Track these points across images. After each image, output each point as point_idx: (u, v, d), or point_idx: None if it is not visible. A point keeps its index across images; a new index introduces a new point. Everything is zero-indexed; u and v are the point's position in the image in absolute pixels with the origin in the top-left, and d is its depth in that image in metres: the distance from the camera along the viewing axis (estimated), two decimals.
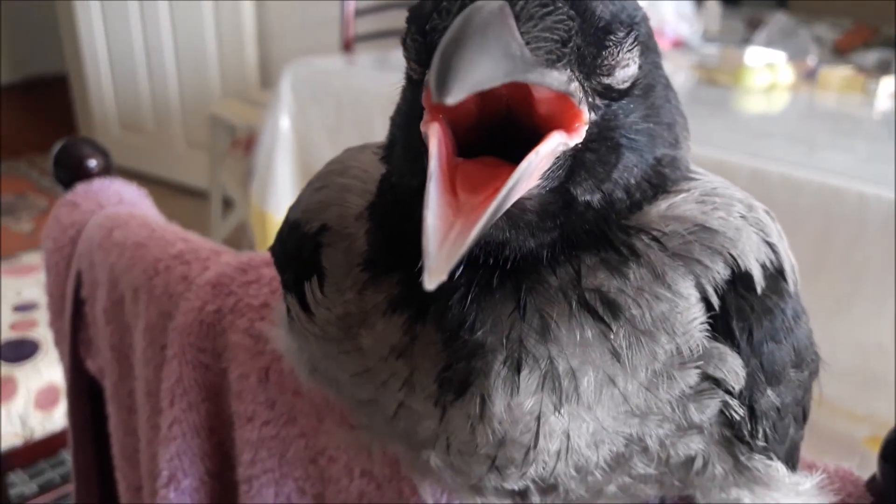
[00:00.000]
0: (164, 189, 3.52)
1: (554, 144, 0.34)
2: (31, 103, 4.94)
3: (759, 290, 0.39)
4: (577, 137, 0.35)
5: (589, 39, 0.34)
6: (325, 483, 0.59)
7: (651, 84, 0.39)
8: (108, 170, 0.91)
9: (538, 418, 0.37)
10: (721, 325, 0.38)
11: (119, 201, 0.84)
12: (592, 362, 0.36)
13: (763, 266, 0.39)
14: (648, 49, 0.39)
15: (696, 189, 0.41)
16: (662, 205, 0.39)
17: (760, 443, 0.41)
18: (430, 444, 0.41)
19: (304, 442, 0.59)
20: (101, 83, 3.71)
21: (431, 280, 0.29)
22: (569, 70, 0.34)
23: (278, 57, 3.11)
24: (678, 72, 2.17)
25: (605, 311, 0.36)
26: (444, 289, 0.36)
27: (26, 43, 5.22)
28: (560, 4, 0.33)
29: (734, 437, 0.40)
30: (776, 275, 0.40)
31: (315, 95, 2.02)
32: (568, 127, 0.35)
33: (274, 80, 2.23)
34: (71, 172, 0.88)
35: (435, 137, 0.33)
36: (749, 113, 1.91)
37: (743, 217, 0.40)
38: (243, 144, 2.66)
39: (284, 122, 2.09)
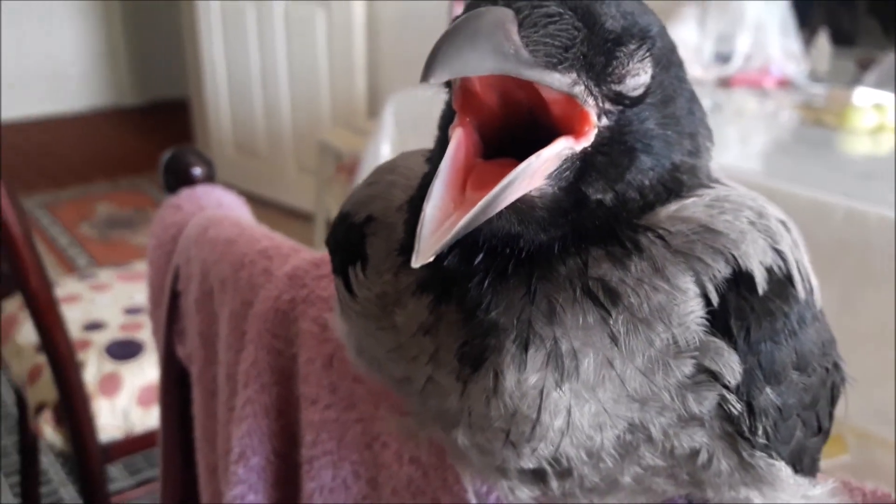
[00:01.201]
0: (273, 211, 3.68)
1: (558, 148, 0.37)
2: (154, 125, 5.26)
3: (760, 292, 0.40)
4: (586, 141, 0.38)
5: (598, 49, 0.38)
6: (378, 468, 0.62)
7: (671, 95, 0.42)
8: (210, 178, 0.99)
9: (541, 393, 0.39)
10: (720, 322, 0.39)
11: (218, 205, 0.91)
12: (593, 345, 0.39)
13: (769, 270, 0.41)
14: (671, 63, 0.42)
15: (708, 195, 0.42)
16: (672, 207, 0.41)
17: (761, 440, 0.42)
18: (456, 420, 0.44)
19: (360, 427, 0.63)
20: (219, 108, 3.92)
21: (417, 261, 0.34)
22: (574, 74, 0.37)
23: (385, 88, 3.23)
24: (781, 111, 2.14)
25: (605, 299, 0.39)
26: (465, 273, 0.40)
27: (152, 68, 5.60)
28: (567, 17, 0.36)
29: (736, 432, 0.41)
30: (783, 280, 0.41)
31: (416, 125, 2.09)
32: (578, 130, 0.38)
33: (380, 109, 2.33)
34: (177, 178, 0.96)
35: (455, 140, 0.37)
36: (852, 154, 1.87)
37: (751, 223, 0.41)
38: (347, 170, 2.77)
39: (385, 150, 2.17)
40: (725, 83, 2.32)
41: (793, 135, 1.98)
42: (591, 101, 0.38)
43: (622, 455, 0.42)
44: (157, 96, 5.64)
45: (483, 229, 0.38)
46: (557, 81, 0.36)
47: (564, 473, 0.44)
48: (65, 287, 1.78)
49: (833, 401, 0.47)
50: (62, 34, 5.36)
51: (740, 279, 0.40)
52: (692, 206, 0.41)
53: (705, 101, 2.10)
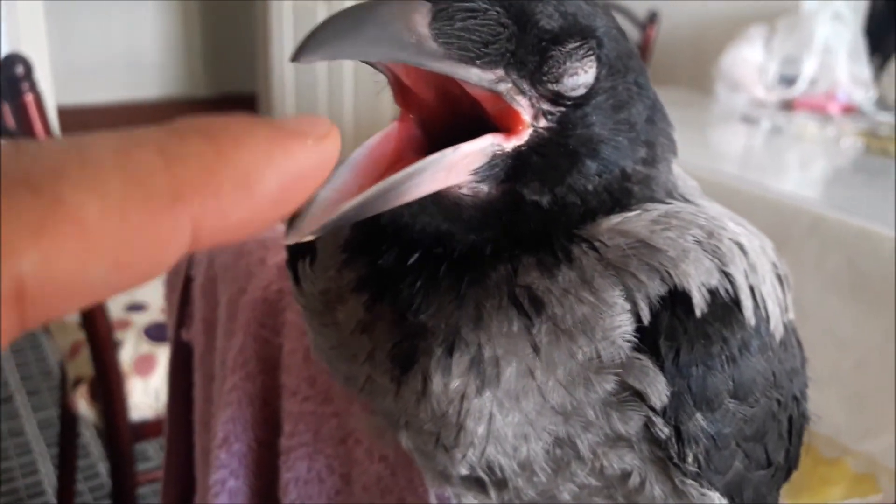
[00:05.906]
0: None
1: (482, 144, 0.36)
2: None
3: (698, 314, 0.38)
4: (517, 140, 0.37)
5: (530, 48, 0.36)
6: (351, 464, 0.63)
7: (625, 101, 0.40)
8: None
9: (462, 398, 0.39)
10: (649, 341, 0.38)
11: None
12: (516, 353, 0.38)
13: (713, 292, 0.39)
14: (628, 69, 0.41)
15: (657, 210, 0.41)
16: (615, 219, 0.40)
17: (691, 467, 0.40)
18: (397, 421, 0.43)
19: (336, 422, 0.63)
20: (284, 105, 4.00)
21: (289, 238, 0.31)
22: (500, 71, 0.35)
23: None
24: (844, 138, 2.07)
25: (529, 307, 0.38)
26: (400, 273, 0.40)
27: (225, 63, 5.75)
28: (493, 13, 0.35)
29: (667, 458, 0.40)
30: (728, 304, 0.39)
31: None
32: (512, 128, 0.37)
33: None
34: None
35: (381, 132, 0.36)
36: None
37: (698, 242, 0.40)
38: None
39: None
40: (788, 106, 2.26)
41: (854, 164, 1.91)
42: (522, 99, 0.37)
43: (555, 470, 0.41)
44: (228, 89, 5.77)
45: (414, 226, 0.37)
46: (475, 76, 0.35)
47: (500, 483, 0.43)
48: None
49: (791, 435, 0.46)
50: (144, 26, 5.56)
51: (677, 299, 0.38)
52: (635, 219, 0.40)
53: (764, 124, 2.03)
